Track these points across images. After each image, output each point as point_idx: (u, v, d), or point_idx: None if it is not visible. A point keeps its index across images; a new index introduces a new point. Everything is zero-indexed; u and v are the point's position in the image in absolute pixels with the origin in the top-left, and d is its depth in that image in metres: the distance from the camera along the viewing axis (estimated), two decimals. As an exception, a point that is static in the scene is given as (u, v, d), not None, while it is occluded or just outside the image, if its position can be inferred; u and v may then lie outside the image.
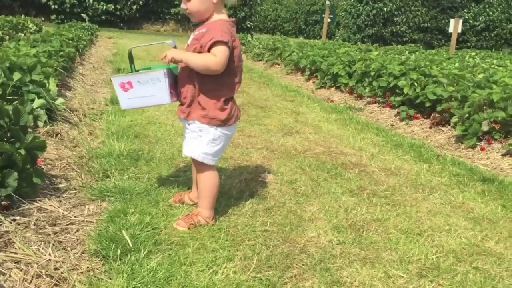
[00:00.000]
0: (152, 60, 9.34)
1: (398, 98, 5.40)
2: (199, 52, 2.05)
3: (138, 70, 2.22)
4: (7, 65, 3.54)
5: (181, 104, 2.18)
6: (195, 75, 2.07)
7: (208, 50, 2.01)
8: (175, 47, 2.19)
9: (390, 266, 1.96)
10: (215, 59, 1.98)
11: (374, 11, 26.36)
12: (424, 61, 6.78)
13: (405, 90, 5.26)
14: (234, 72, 2.13)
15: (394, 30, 26.56)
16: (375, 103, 5.95)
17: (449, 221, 2.48)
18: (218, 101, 2.10)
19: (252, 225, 2.25)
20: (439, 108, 4.70)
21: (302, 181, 2.95)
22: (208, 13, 2.09)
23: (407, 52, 12.07)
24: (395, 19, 26.44)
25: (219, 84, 2.09)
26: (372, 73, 6.24)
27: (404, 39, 25.93)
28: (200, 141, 2.13)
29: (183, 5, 2.11)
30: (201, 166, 2.19)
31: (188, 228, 2.12)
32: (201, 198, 2.23)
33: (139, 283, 1.65)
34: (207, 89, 2.09)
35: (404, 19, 26.49)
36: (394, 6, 26.17)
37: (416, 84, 5.23)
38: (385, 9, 26.26)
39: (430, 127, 4.74)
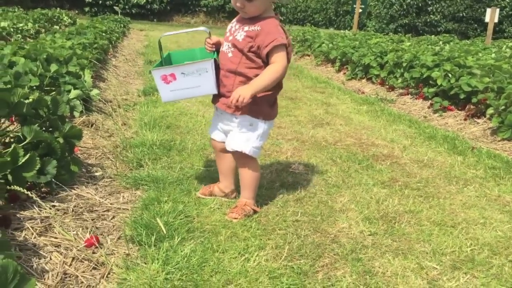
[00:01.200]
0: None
1: (431, 90, 5.31)
2: (254, 51, 2.04)
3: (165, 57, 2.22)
4: (44, 56, 3.64)
5: (223, 96, 2.15)
6: (244, 69, 2.06)
7: (267, 54, 2.01)
8: (209, 33, 2.19)
9: (423, 258, 1.95)
10: (278, 68, 2.01)
11: (408, 1, 25.83)
12: (458, 52, 6.62)
13: (439, 82, 5.15)
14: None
15: (428, 20, 25.97)
16: (408, 94, 5.86)
17: (484, 214, 2.44)
18: (270, 97, 2.13)
19: (283, 214, 2.26)
20: (474, 100, 4.59)
21: (333, 172, 2.94)
22: (262, 11, 2.05)
23: (441, 42, 11.79)
24: (429, 8, 25.85)
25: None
26: (404, 64, 6.14)
27: (438, 29, 25.34)
28: (250, 135, 2.14)
29: (239, 3, 2.01)
30: (246, 159, 2.20)
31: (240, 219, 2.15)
32: (246, 189, 2.25)
33: (174, 268, 1.69)
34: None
35: (439, 9, 25.87)
36: (428, -5, 25.59)
37: (450, 75, 5.12)
38: (418, -2, 25.70)
39: (465, 119, 4.63)
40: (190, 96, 2.18)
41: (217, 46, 2.22)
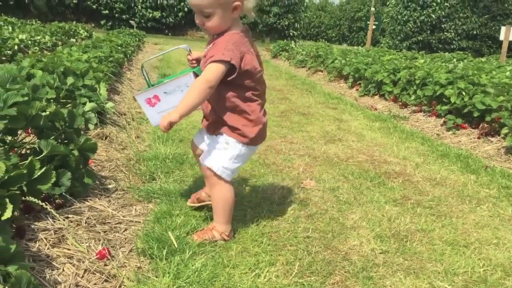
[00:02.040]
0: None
1: (444, 107, 5.29)
2: None
3: (158, 82, 2.15)
4: (62, 70, 3.71)
5: (205, 117, 2.13)
6: (214, 93, 1.95)
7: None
8: (189, 50, 2.16)
9: (435, 278, 1.93)
10: (198, 82, 1.89)
11: (422, 18, 25.86)
12: (472, 70, 6.60)
13: (452, 99, 5.14)
14: (250, 86, 2.01)
15: (442, 37, 25.97)
16: (421, 111, 5.84)
17: (497, 234, 2.41)
18: (244, 117, 2.02)
19: (294, 231, 2.26)
20: (488, 118, 4.56)
21: (344, 188, 2.94)
22: (224, 28, 1.98)
23: (455, 60, 11.76)
24: (443, 26, 25.85)
25: (240, 99, 2.00)
26: (418, 82, 6.13)
27: (452, 47, 25.32)
28: (222, 153, 2.03)
29: (198, 21, 1.98)
30: (215, 179, 2.04)
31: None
32: (215, 213, 2.11)
33: (185, 282, 1.70)
34: (229, 106, 2.00)
35: (453, 26, 25.86)
36: (443, 12, 25.61)
37: (464, 93, 5.10)
38: (433, 15, 25.74)
39: (478, 137, 4.60)
40: None
41: (199, 61, 2.14)
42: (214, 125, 2.07)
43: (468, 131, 4.84)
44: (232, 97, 1.99)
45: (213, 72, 1.87)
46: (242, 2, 1.92)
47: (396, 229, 2.37)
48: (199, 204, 2.34)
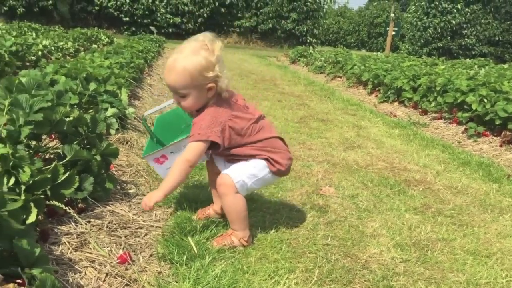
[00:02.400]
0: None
1: (465, 114, 5.22)
2: None
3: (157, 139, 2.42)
4: (84, 76, 3.77)
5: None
6: (226, 156, 2.08)
7: None
8: None
9: (456, 288, 1.91)
10: (179, 160, 1.95)
11: (442, 24, 25.62)
12: (494, 76, 6.51)
13: (474, 107, 5.07)
14: (249, 140, 2.05)
15: (463, 43, 25.66)
16: (441, 118, 5.78)
17: (520, 245, 2.37)
18: (270, 154, 2.07)
19: (313, 238, 2.26)
20: (510, 126, 4.49)
21: (364, 196, 2.92)
22: (200, 106, 2.01)
23: (476, 66, 11.61)
24: (463, 32, 25.56)
25: (254, 149, 2.06)
26: (438, 88, 6.08)
27: (473, 53, 25.00)
28: (248, 169, 2.05)
29: (174, 99, 2.04)
30: (228, 190, 2.03)
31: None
32: (231, 222, 2.12)
33: (204, 288, 1.71)
34: (249, 155, 2.08)
35: (474, 32, 25.55)
36: (463, 18, 25.33)
37: (485, 100, 5.03)
38: (453, 21, 25.48)
39: (501, 145, 4.53)
40: None
41: None
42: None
43: (489, 139, 4.77)
44: (247, 149, 2.06)
45: (192, 152, 1.94)
46: (216, 84, 1.94)
47: (417, 238, 2.35)
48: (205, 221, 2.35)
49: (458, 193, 3.12)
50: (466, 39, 25.62)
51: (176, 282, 1.77)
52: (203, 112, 1.99)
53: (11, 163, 1.78)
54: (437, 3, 25.88)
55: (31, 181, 1.81)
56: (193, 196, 2.61)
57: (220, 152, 2.09)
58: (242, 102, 2.10)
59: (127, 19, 25.65)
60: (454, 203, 2.91)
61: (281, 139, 2.16)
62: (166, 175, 2.13)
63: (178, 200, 2.56)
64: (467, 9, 25.52)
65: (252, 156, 2.08)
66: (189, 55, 1.90)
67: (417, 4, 27.46)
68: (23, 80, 2.70)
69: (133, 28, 25.69)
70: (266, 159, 2.07)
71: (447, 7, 25.63)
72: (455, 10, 25.61)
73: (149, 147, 2.48)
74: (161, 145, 2.53)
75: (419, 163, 3.82)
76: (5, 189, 1.71)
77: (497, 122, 4.69)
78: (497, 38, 25.77)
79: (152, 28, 23.26)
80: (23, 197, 1.66)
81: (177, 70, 1.91)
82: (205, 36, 1.96)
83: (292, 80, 9.89)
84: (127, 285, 1.73)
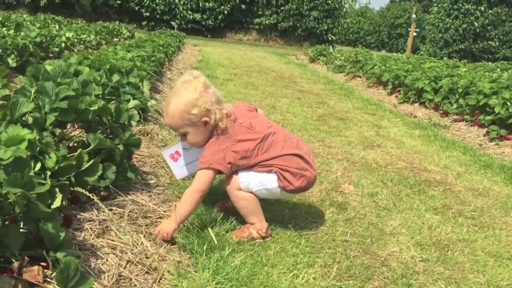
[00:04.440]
0: (235, 67, 9.59)
1: (488, 117, 5.15)
2: None
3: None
4: (108, 67, 3.81)
5: None
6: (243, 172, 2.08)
7: None
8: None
9: (476, 289, 1.89)
10: (194, 188, 2.00)
11: (464, 26, 25.27)
12: (518, 80, 6.41)
13: (497, 110, 5.00)
14: (261, 158, 2.05)
15: (486, 46, 25.29)
16: (462, 121, 5.71)
17: (543, 249, 2.33)
18: (279, 172, 2.06)
19: (332, 234, 2.25)
20: (534, 130, 4.42)
21: (383, 194, 2.90)
22: (207, 139, 2.07)
23: (498, 69, 11.44)
24: (486, 34, 25.17)
25: (265, 167, 2.06)
26: (460, 90, 6.00)
27: (496, 56, 24.61)
28: (258, 176, 2.07)
29: (181, 139, 2.15)
30: (233, 188, 2.10)
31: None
32: (244, 217, 2.14)
33: (224, 279, 1.72)
34: (263, 171, 2.08)
35: (497, 35, 25.14)
36: (486, 20, 24.95)
37: (508, 103, 4.95)
38: (476, 23, 25.11)
39: (523, 149, 4.46)
40: (195, 170, 2.17)
41: None
42: None
43: (512, 142, 4.69)
44: (258, 167, 2.07)
45: (200, 181, 2.01)
46: (210, 117, 1.99)
47: (437, 238, 2.33)
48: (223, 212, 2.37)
49: (479, 195, 3.08)
50: (489, 41, 25.23)
51: (196, 271, 1.78)
52: (209, 142, 2.05)
53: (37, 149, 1.81)
54: (460, 5, 25.54)
55: (56, 167, 1.84)
56: (213, 188, 2.62)
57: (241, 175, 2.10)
58: (248, 121, 2.09)
59: (148, 14, 25.83)
60: (475, 205, 2.88)
61: (299, 156, 2.09)
62: (179, 174, 2.25)
63: (198, 192, 2.57)
64: (490, 11, 25.12)
65: (265, 170, 2.07)
66: (175, 98, 2.01)
67: (439, 5, 27.13)
68: (49, 68, 2.75)
69: (153, 23, 25.87)
70: (276, 173, 2.06)
71: (470, 9, 25.28)
72: (478, 12, 25.24)
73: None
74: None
75: (439, 164, 3.78)
76: (32, 173, 1.74)
77: (521, 125, 4.62)
78: (521, 42, 25.34)
79: (173, 23, 23.35)
80: (49, 182, 1.68)
81: (168, 114, 2.04)
82: (190, 75, 2.05)
83: (311, 78, 9.85)
84: (147, 272, 1.75)
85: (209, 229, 2.06)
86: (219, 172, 2.04)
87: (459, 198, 2.98)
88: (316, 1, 26.85)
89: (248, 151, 2.03)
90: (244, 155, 2.03)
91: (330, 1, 26.97)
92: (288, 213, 2.43)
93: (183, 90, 2.00)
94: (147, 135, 3.56)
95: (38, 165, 1.81)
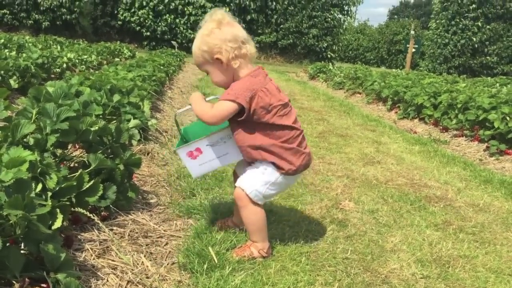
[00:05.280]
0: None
1: (487, 132, 5.16)
2: None
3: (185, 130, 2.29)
4: (109, 87, 3.85)
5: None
6: (245, 132, 2.03)
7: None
8: (218, 98, 2.19)
9: (478, 305, 1.88)
10: (211, 112, 1.98)
11: (463, 41, 25.46)
12: (517, 94, 6.44)
13: (496, 124, 5.02)
14: (272, 123, 2.01)
15: (484, 61, 25.44)
16: (462, 136, 5.72)
17: (544, 264, 2.33)
18: (279, 152, 2.03)
19: (332, 251, 2.25)
20: (533, 144, 4.43)
21: (384, 211, 2.90)
22: (230, 80, 2.05)
23: (497, 84, 11.50)
24: (485, 49, 25.35)
25: (269, 137, 2.02)
26: (459, 105, 6.03)
27: (495, 71, 24.73)
28: (260, 177, 2.05)
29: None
30: (246, 201, 2.06)
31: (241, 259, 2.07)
32: (250, 233, 2.13)
33: (224, 298, 1.72)
34: (261, 145, 2.03)
35: (495, 50, 25.31)
36: (485, 36, 25.15)
37: (508, 118, 4.98)
38: (474, 39, 25.29)
39: (523, 164, 4.47)
40: (220, 165, 2.17)
41: None
42: (252, 159, 2.10)
43: (512, 157, 4.70)
44: (262, 135, 2.02)
45: (221, 109, 1.96)
46: (221, 54, 1.98)
47: (438, 254, 2.33)
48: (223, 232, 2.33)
49: (480, 211, 3.08)
50: (487, 57, 25.38)
51: (196, 291, 1.78)
52: (236, 82, 2.03)
53: (39, 170, 1.83)
54: (458, 20, 25.76)
55: (57, 188, 1.85)
56: (213, 207, 2.63)
57: (239, 139, 2.06)
58: (276, 85, 2.11)
59: (148, 33, 26.11)
60: (476, 221, 2.88)
61: (302, 133, 2.11)
62: (197, 172, 2.15)
63: (199, 210, 2.58)
64: (488, 26, 25.33)
65: (262, 159, 2.05)
66: (196, 38, 2.07)
67: (437, 21, 27.38)
68: (50, 90, 2.78)
69: (154, 43, 26.13)
70: (273, 163, 2.04)
71: (468, 24, 25.49)
72: (475, 28, 25.44)
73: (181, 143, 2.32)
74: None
75: (440, 180, 3.79)
76: (32, 194, 1.75)
77: (520, 140, 4.63)
78: (519, 57, 25.48)
79: (174, 42, 23.57)
80: (49, 203, 1.69)
81: (192, 53, 2.10)
82: (209, 14, 2.06)
83: (311, 95, 9.91)
84: (148, 292, 1.75)
85: (210, 248, 2.06)
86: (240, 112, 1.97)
87: (460, 214, 2.98)
88: (315, 19, 27.14)
89: (271, 105, 1.99)
90: (266, 106, 1.98)
91: (329, 19, 27.26)
92: (289, 230, 2.43)
93: (201, 28, 2.04)
94: (147, 154, 3.58)
95: (39, 186, 1.82)
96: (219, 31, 1.98)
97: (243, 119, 1.98)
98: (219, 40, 1.97)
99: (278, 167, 2.04)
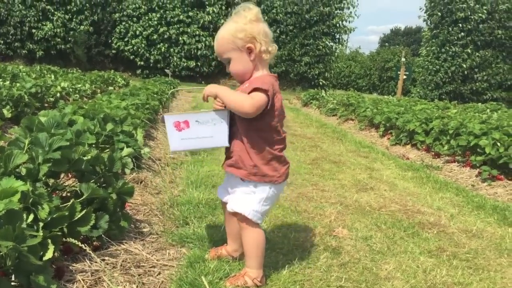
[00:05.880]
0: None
1: (479, 158, 5.21)
2: None
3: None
4: (102, 116, 3.87)
5: (228, 158, 2.13)
6: (241, 129, 2.03)
7: None
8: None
9: (473, 333, 1.87)
10: (251, 101, 1.93)
11: (453, 68, 25.86)
12: (507, 120, 6.53)
13: (487, 150, 5.06)
14: (273, 127, 2.04)
15: (474, 87, 25.81)
16: (454, 162, 5.76)
17: (538, 290, 2.32)
18: (271, 162, 2.05)
19: (326, 279, 2.24)
20: (524, 169, 4.47)
21: (377, 238, 2.90)
22: (249, 73, 2.08)
23: (488, 110, 11.64)
24: (475, 76, 25.76)
25: (263, 139, 2.03)
26: (451, 131, 6.09)
27: (485, 97, 25.08)
28: (252, 197, 2.06)
29: (227, 69, 2.14)
30: (247, 223, 2.07)
31: None
32: (248, 257, 2.12)
33: (217, 329, 1.70)
34: (252, 144, 2.02)
35: (485, 76, 25.73)
36: (474, 62, 25.58)
37: (499, 144, 5.03)
38: (464, 65, 25.71)
39: (515, 189, 4.49)
40: (200, 147, 2.11)
41: None
42: (238, 165, 2.07)
43: (504, 182, 4.73)
44: (259, 139, 2.03)
45: (258, 100, 1.94)
46: (255, 45, 2.03)
47: (432, 281, 2.32)
48: (216, 261, 2.31)
49: (473, 237, 3.09)
50: (477, 83, 25.76)
51: (189, 322, 1.76)
52: (257, 77, 2.06)
53: (30, 200, 1.82)
54: (448, 48, 26.22)
55: (49, 218, 1.84)
56: (206, 235, 2.62)
57: (239, 138, 2.05)
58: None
59: (142, 63, 26.38)
60: (470, 247, 2.88)
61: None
62: (176, 146, 2.05)
63: (192, 239, 2.57)
64: (477, 54, 25.78)
65: (271, 145, 2.05)
66: (226, 25, 2.08)
67: (428, 48, 27.86)
68: (43, 119, 2.79)
69: (147, 71, 26.38)
70: (259, 183, 2.05)
71: (457, 51, 25.94)
72: (465, 54, 25.89)
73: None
74: None
75: (432, 206, 3.80)
76: (24, 225, 1.74)
77: (511, 166, 4.67)
78: (509, 83, 25.86)
79: (167, 70, 23.80)
80: (41, 234, 1.68)
81: (218, 39, 2.08)
82: (241, 6, 2.09)
83: (304, 122, 9.97)
84: (140, 324, 1.73)
85: (203, 277, 2.05)
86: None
87: (453, 240, 2.98)
88: (307, 47, 27.53)
89: (278, 109, 2.03)
90: (278, 109, 2.03)
91: (321, 47, 27.66)
92: (282, 259, 2.42)
93: (235, 17, 2.06)
94: (140, 182, 3.57)
95: (31, 217, 1.81)
96: (257, 23, 2.05)
97: (257, 122, 2.00)
98: (256, 30, 2.03)
99: (267, 181, 2.04)
